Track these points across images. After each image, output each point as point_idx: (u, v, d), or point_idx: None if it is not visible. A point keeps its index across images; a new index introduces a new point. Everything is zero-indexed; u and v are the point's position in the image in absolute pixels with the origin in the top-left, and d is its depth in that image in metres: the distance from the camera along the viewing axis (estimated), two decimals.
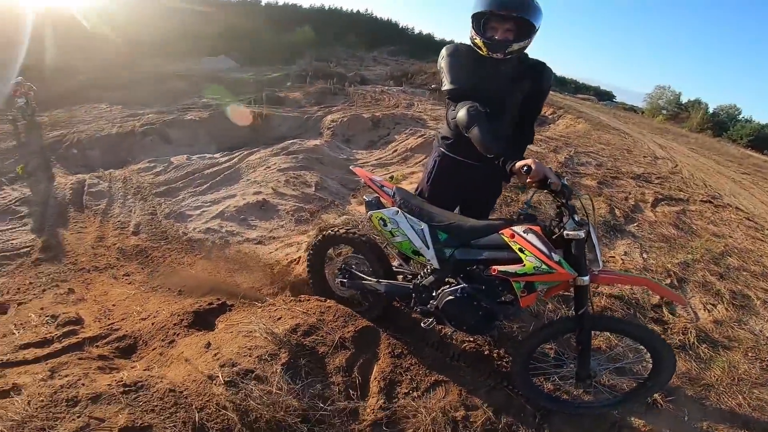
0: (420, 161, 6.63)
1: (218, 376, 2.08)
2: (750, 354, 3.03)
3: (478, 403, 2.30)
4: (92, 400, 1.93)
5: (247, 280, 3.57)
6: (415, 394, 2.30)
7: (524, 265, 1.85)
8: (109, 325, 3.06)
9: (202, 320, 2.85)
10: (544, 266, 1.80)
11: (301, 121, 8.11)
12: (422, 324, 2.33)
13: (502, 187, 2.67)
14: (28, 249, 4.28)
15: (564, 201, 1.84)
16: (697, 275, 4.08)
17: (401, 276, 2.56)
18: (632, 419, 2.35)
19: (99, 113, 7.16)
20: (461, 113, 1.99)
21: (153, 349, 2.69)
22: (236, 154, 6.27)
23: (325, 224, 3.80)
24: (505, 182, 2.63)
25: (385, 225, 2.27)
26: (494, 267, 1.95)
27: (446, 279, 2.22)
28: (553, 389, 2.41)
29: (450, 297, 2.12)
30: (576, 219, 1.81)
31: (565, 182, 1.82)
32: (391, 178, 5.92)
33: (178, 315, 2.88)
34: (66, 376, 2.33)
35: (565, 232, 1.81)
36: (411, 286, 2.35)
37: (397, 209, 2.25)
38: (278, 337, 2.30)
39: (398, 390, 2.32)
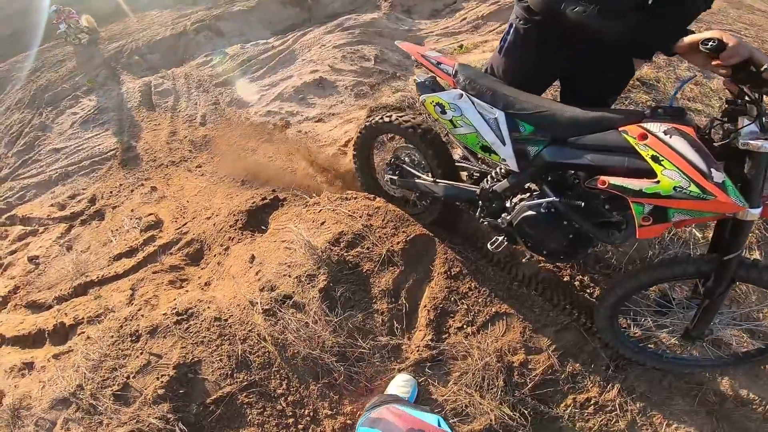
0: (495, 29, 5.24)
1: (258, 303, 1.79)
2: None
3: (543, 345, 1.73)
4: (150, 333, 1.81)
5: (303, 166, 3.18)
6: (469, 329, 1.76)
7: (658, 182, 1.11)
8: (181, 227, 2.96)
9: (256, 219, 2.59)
10: (693, 188, 1.07)
11: None
12: (488, 245, 1.67)
13: (636, 67, 1.55)
14: (114, 151, 4.31)
15: (749, 93, 1.03)
16: None
17: (466, 173, 1.90)
18: (722, 382, 1.67)
19: (151, 20, 6.64)
20: None
21: (214, 256, 2.52)
22: (289, 36, 5.51)
23: (377, 104, 3.04)
24: (643, 59, 1.56)
25: (444, 112, 1.57)
26: (603, 177, 1.22)
27: (526, 185, 1.53)
28: (641, 336, 1.72)
29: (530, 212, 1.45)
30: (765, 121, 1.02)
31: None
32: (461, 47, 4.82)
33: (234, 215, 2.63)
34: (140, 296, 2.30)
35: (741, 140, 1.04)
36: (477, 191, 1.67)
37: (461, 92, 1.53)
38: (318, 253, 1.87)
39: (450, 323, 1.80)
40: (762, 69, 0.94)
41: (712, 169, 1.06)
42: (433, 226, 2.09)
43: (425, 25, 5.69)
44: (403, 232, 1.99)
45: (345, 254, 1.89)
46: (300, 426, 1.59)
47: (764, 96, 1.01)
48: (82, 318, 2.30)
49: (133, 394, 1.64)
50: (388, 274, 1.86)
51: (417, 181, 1.91)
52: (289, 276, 1.85)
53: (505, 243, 1.64)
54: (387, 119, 1.92)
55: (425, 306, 1.82)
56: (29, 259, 3.24)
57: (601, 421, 1.60)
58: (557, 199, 1.39)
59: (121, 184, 3.85)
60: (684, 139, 1.10)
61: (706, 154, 1.08)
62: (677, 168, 1.09)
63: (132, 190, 3.74)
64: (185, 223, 2.97)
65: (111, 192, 3.77)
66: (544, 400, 1.64)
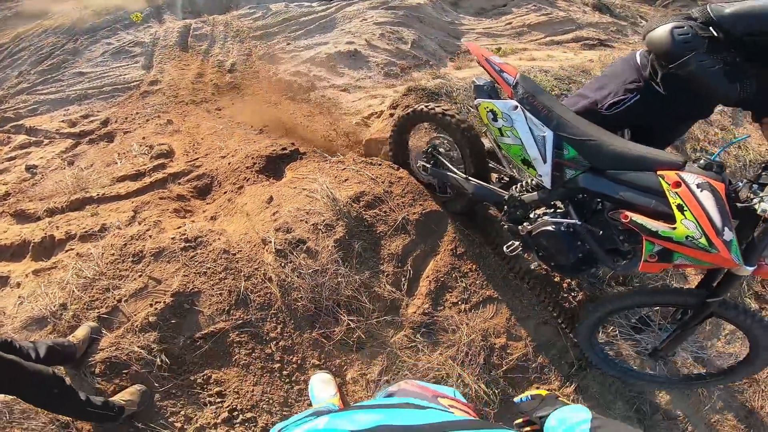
0: (536, 39, 5.12)
1: (271, 242, 1.68)
2: None
3: (523, 334, 1.78)
4: (155, 256, 1.68)
5: (323, 128, 3.07)
6: (463, 306, 1.78)
7: (674, 228, 1.20)
8: (193, 160, 2.82)
9: (273, 166, 2.47)
10: (702, 240, 1.16)
11: None
12: (504, 247, 1.68)
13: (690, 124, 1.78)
14: (138, 83, 4.14)
15: None
16: None
17: (496, 176, 1.89)
18: (658, 395, 1.83)
19: None
20: None
21: (224, 193, 2.40)
22: (334, 4, 5.34)
23: (416, 84, 2.90)
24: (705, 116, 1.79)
25: (495, 120, 1.57)
26: (627, 213, 1.29)
27: (552, 203, 1.56)
28: (605, 342, 1.82)
29: (551, 227, 1.48)
30: None
31: None
32: (498, 50, 4.72)
33: (252, 158, 2.50)
34: (144, 219, 2.15)
35: (761, 207, 1.12)
36: (506, 197, 1.67)
37: (517, 104, 1.52)
38: (338, 205, 1.79)
39: (447, 297, 1.81)
40: None
41: (725, 228, 1.15)
42: (455, 214, 2.06)
43: (468, 20, 5.54)
44: (420, 204, 1.97)
45: (363, 213, 1.82)
46: (285, 372, 1.47)
47: None
48: (75, 233, 2.12)
49: (120, 320, 1.45)
50: (400, 240, 1.84)
51: (449, 174, 1.89)
52: (307, 222, 1.73)
53: (520, 249, 1.67)
54: (435, 110, 1.86)
55: (428, 277, 1.82)
56: (26, 168, 3.03)
57: None
58: (579, 223, 1.44)
59: (137, 113, 3.67)
60: (712, 196, 1.17)
61: (726, 214, 1.16)
62: (696, 220, 1.16)
63: (147, 120, 3.57)
64: (197, 158, 2.83)
65: (126, 118, 3.58)
66: (512, 384, 1.68)
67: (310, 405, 1.46)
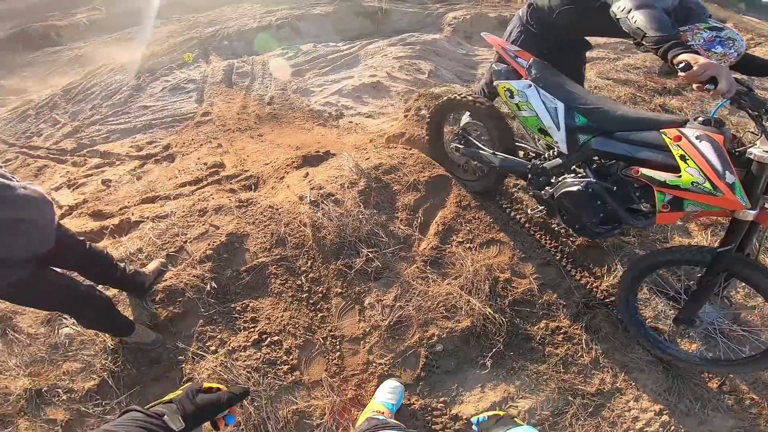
0: None
1: (306, 196, 2.08)
2: None
3: (527, 272, 1.95)
4: (215, 210, 2.09)
5: (352, 140, 3.51)
6: (468, 245, 2.02)
7: (680, 176, 1.32)
8: (241, 168, 3.31)
9: (309, 164, 2.87)
10: (707, 184, 1.27)
11: (421, 16, 7.30)
12: (529, 210, 1.93)
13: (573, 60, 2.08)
14: (192, 114, 4.81)
15: (752, 114, 1.23)
16: None
17: (522, 152, 2.10)
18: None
19: (242, 11, 7.44)
20: None
21: (269, 186, 2.81)
22: (356, 43, 6.08)
23: (425, 90, 3.31)
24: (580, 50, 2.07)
25: (512, 97, 1.82)
26: (637, 168, 1.44)
27: (572, 167, 1.74)
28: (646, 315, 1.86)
29: (571, 188, 1.65)
30: None
31: (753, 93, 1.20)
32: None
33: (291, 159, 2.95)
34: (204, 196, 2.59)
35: (749, 150, 1.25)
36: (529, 165, 1.91)
37: (530, 83, 1.77)
38: (361, 169, 2.19)
39: (453, 237, 2.07)
40: (706, 86, 1.13)
41: (726, 172, 1.23)
42: (479, 195, 2.33)
43: (482, 51, 6.03)
44: (429, 171, 2.32)
45: (382, 177, 2.22)
46: (311, 301, 1.75)
47: (757, 112, 1.22)
48: (147, 217, 2.56)
49: (183, 257, 1.83)
50: (412, 195, 2.18)
51: (480, 151, 2.13)
52: (335, 182, 2.15)
53: (544, 213, 1.86)
54: (467, 98, 2.12)
55: (436, 222, 2.11)
56: (102, 182, 3.61)
57: (568, 350, 1.74)
58: (595, 180, 1.59)
59: (193, 139, 4.28)
60: (711, 145, 1.28)
61: (726, 160, 1.25)
62: (698, 167, 1.27)
63: (201, 144, 4.16)
64: (245, 168, 3.28)
65: (184, 143, 4.19)
66: (520, 317, 1.81)
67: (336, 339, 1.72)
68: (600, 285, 1.97)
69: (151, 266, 1.80)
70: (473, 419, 1.24)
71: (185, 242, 1.86)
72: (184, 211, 2.06)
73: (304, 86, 5.06)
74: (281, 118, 4.48)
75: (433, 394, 1.61)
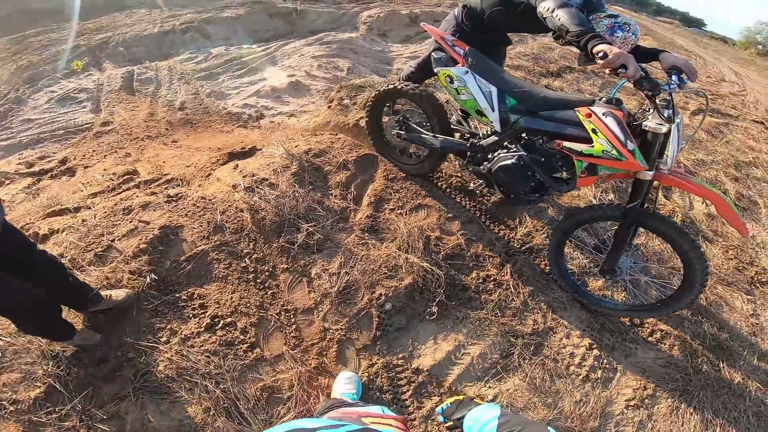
0: None
1: (240, 184, 2.10)
2: (730, 252, 2.57)
3: (454, 229, 2.18)
4: (142, 207, 2.01)
5: (278, 135, 3.54)
6: (399, 211, 2.21)
7: (593, 146, 1.60)
8: (159, 173, 3.14)
9: (236, 159, 2.81)
10: (614, 152, 1.56)
11: (336, 16, 7.41)
12: (471, 184, 2.14)
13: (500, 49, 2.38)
14: (89, 125, 4.41)
15: (647, 93, 1.49)
16: (709, 173, 3.50)
17: (458, 134, 2.29)
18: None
19: (139, 17, 6.89)
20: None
21: (196, 185, 2.70)
22: (272, 44, 6.01)
23: (346, 83, 3.47)
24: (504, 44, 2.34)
25: (452, 82, 2.00)
26: (559, 141, 1.71)
27: (504, 144, 1.97)
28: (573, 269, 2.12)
29: (505, 162, 1.88)
30: (663, 114, 1.50)
31: (649, 76, 1.47)
32: None
33: (215, 158, 2.89)
34: (127, 195, 2.43)
35: (644, 123, 1.54)
36: (467, 144, 2.11)
37: (467, 69, 1.96)
38: (292, 155, 2.26)
39: (385, 206, 2.24)
40: (618, 71, 1.39)
41: (628, 141, 1.53)
42: (418, 177, 2.50)
43: (396, 48, 6.32)
44: (356, 152, 2.46)
45: (313, 159, 2.30)
46: (259, 280, 1.77)
47: (653, 93, 1.46)
48: (57, 229, 2.32)
49: (113, 255, 1.73)
50: (343, 174, 2.30)
51: (420, 135, 2.28)
52: (268, 168, 2.18)
53: (483, 186, 2.11)
54: (401, 87, 2.24)
55: (368, 194, 2.27)
56: None
57: (500, 296, 1.97)
58: (526, 154, 1.84)
59: (94, 150, 3.93)
60: (614, 120, 1.56)
61: (626, 131, 1.54)
62: (606, 138, 1.56)
63: (105, 156, 3.83)
64: (164, 172, 3.10)
65: (84, 155, 3.83)
66: (455, 269, 2.02)
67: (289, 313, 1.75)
68: (515, 235, 2.26)
69: (117, 294, 1.63)
70: (437, 409, 1.31)
71: (113, 240, 1.74)
72: (105, 212, 1.92)
73: (219, 90, 4.89)
74: (196, 122, 4.30)
75: (392, 352, 1.71)
